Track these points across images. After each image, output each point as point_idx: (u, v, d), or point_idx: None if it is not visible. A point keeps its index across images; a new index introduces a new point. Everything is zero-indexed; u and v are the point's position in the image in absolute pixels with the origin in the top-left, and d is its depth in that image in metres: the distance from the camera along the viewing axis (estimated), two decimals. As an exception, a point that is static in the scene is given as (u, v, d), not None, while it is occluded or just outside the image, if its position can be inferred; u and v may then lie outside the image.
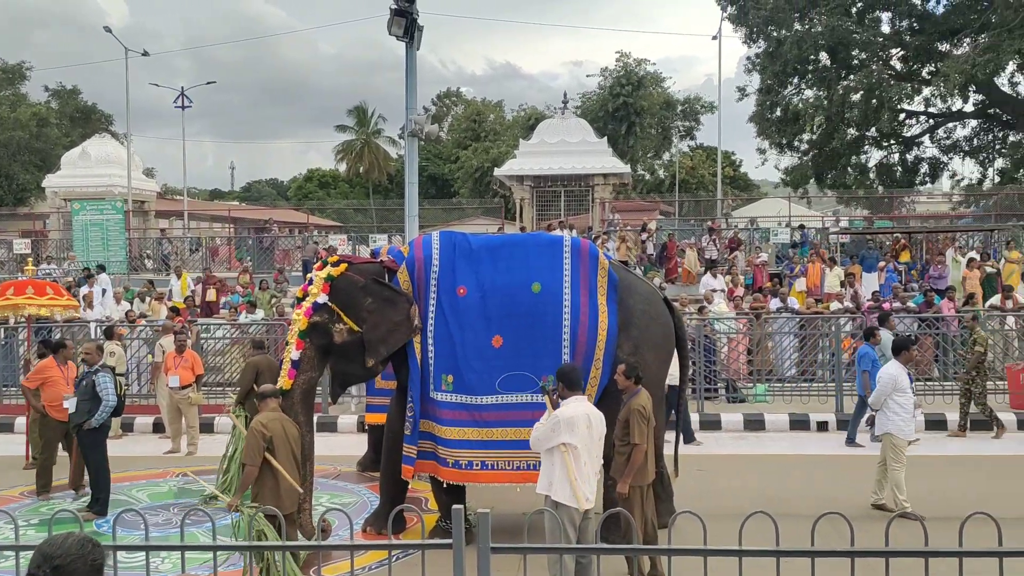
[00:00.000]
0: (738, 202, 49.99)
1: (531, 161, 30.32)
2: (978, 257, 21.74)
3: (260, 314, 17.83)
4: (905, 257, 24.93)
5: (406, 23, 13.94)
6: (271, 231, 30.78)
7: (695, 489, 8.99)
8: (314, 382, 7.98)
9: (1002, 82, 36.44)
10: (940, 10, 36.24)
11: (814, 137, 38.21)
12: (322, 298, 7.80)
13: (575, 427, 6.20)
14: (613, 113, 56.75)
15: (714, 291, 19.33)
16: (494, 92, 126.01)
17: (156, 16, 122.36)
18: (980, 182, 39.67)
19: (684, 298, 17.81)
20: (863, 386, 11.68)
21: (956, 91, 32.57)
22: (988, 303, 16.57)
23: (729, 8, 37.21)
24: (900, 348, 9.19)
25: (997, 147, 38.39)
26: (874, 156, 39.98)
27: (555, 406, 6.38)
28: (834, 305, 17.60)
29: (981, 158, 38.77)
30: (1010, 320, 15.86)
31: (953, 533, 3.78)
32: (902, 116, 38.50)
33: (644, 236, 26.29)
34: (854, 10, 36.15)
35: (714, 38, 36.58)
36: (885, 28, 36.86)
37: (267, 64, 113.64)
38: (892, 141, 39.24)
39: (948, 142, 39.34)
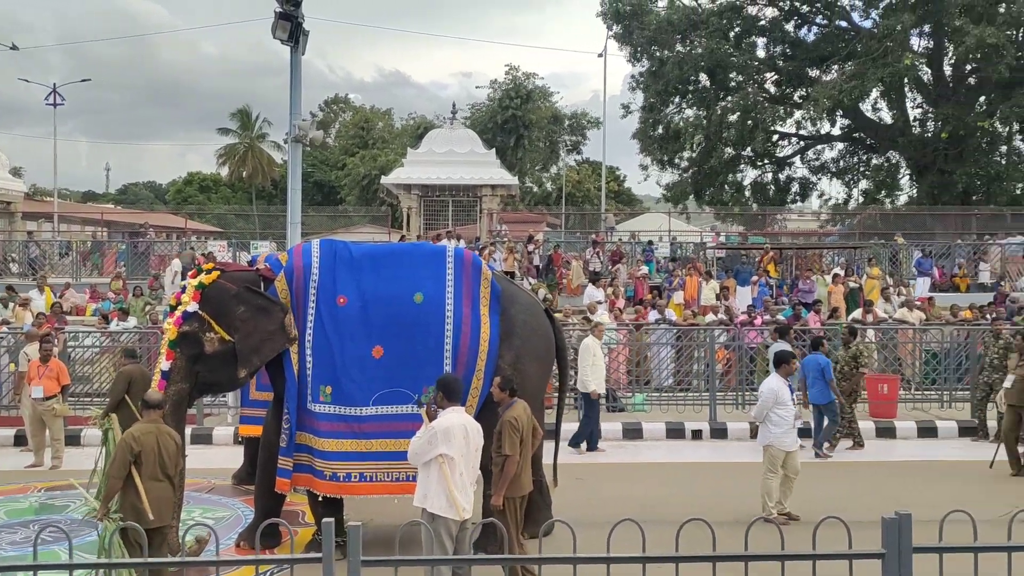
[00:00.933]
0: (622, 216, 51.23)
1: (419, 170, 30.27)
2: (842, 273, 22.89)
3: (133, 321, 17.14)
4: (773, 271, 26.02)
5: (291, 27, 13.73)
6: (147, 235, 29.64)
7: (574, 498, 9.14)
8: (184, 393, 7.72)
9: (867, 108, 38.67)
10: (811, 38, 38.21)
11: (694, 155, 39.58)
12: (192, 307, 7.57)
13: (451, 438, 6.23)
14: (502, 125, 57.25)
15: (598, 302, 19.69)
16: (383, 100, 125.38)
17: (27, 8, 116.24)
18: (846, 202, 41.88)
19: (567, 309, 18.09)
20: (819, 394, 12.20)
21: (824, 115, 34.32)
22: (850, 317, 17.46)
23: (615, 27, 38.16)
24: (780, 361, 9.55)
25: (861, 169, 40.61)
26: (749, 175, 41.70)
27: (432, 419, 6.39)
28: (709, 317, 18.18)
29: (847, 179, 40.95)
30: (870, 333, 16.75)
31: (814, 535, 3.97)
32: (775, 137, 40.32)
33: (531, 248, 26.59)
34: (732, 34, 37.68)
35: (600, 55, 37.45)
36: (761, 53, 38.57)
37: (146, 63, 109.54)
38: (766, 161, 41.02)
39: (817, 163, 41.41)
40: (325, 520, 3.79)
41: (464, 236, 28.56)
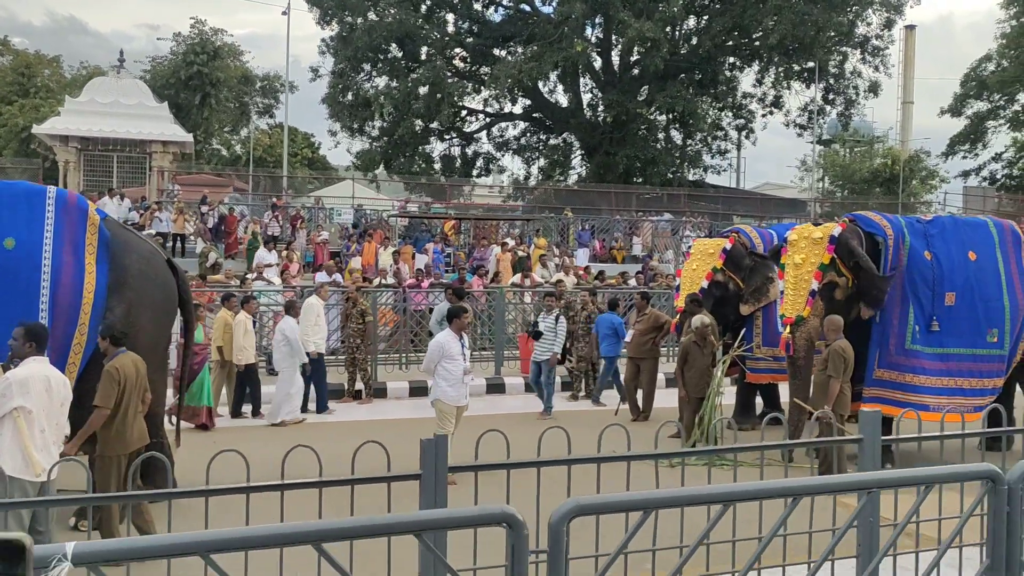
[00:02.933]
0: (314, 183, 50.22)
1: (78, 120, 27.53)
2: (511, 243, 24.16)
3: None
4: (455, 240, 26.90)
5: None
6: None
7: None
8: None
9: (547, 90, 41.01)
10: (497, 18, 39.72)
11: (384, 124, 39.67)
12: None
13: (29, 389, 5.69)
14: (186, 82, 53.71)
15: (268, 265, 19.15)
16: (54, 46, 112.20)
17: None
18: (526, 178, 44.22)
19: (229, 271, 17.40)
20: (609, 348, 12.82)
21: (506, 93, 35.85)
22: (511, 281, 18.47)
23: (305, -13, 37.18)
24: (452, 317, 9.74)
25: (540, 148, 43.02)
26: (438, 147, 42.64)
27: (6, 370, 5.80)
28: (377, 280, 18.35)
29: (526, 156, 43.18)
30: (527, 296, 17.83)
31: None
32: (464, 113, 41.55)
33: (204, 209, 25.26)
34: (423, 7, 38.18)
35: (284, 13, 36.18)
36: (450, 28, 39.44)
37: None
38: (454, 135, 42.17)
39: (501, 140, 43.28)
40: None
41: (131, 196, 26.54)
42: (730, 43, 36.92)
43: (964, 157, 46.17)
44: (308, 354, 12.55)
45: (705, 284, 11.70)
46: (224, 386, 12.66)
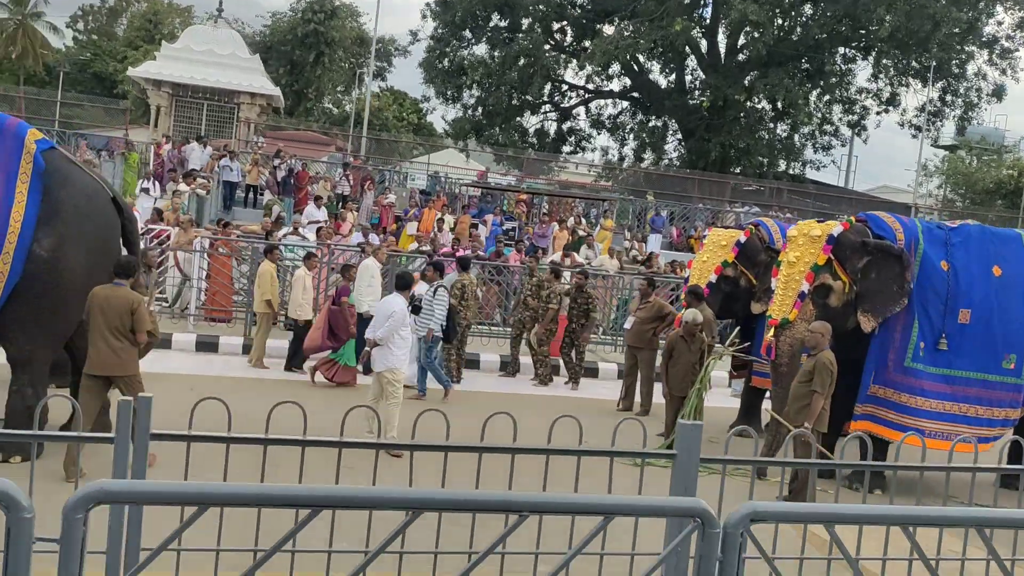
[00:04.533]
0: (419, 148, 50.59)
1: (172, 66, 28.35)
2: (572, 222, 23.59)
3: None
4: (523, 215, 26.49)
5: None
6: None
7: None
8: None
9: (653, 69, 39.93)
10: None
11: (479, 93, 39.47)
12: None
13: None
14: (303, 39, 54.82)
15: (316, 222, 19.23)
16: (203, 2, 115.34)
17: None
18: (621, 159, 43.28)
19: (244, 226, 17.53)
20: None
21: (600, 69, 35.02)
22: (549, 260, 17.96)
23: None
24: (404, 284, 9.51)
25: (635, 128, 41.96)
26: (533, 121, 42.14)
27: None
28: (412, 246, 18.19)
29: (619, 136, 42.20)
30: (566, 275, 17.28)
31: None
32: (564, 88, 40.95)
33: (276, 162, 25.63)
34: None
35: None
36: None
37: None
38: (550, 108, 41.58)
39: (598, 118, 42.40)
40: None
41: (215, 145, 27.19)
42: (841, 33, 34.94)
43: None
44: (360, 314, 12.39)
45: (714, 278, 10.96)
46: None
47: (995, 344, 8.90)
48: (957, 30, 32.22)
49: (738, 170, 36.99)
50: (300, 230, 16.86)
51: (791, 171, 39.09)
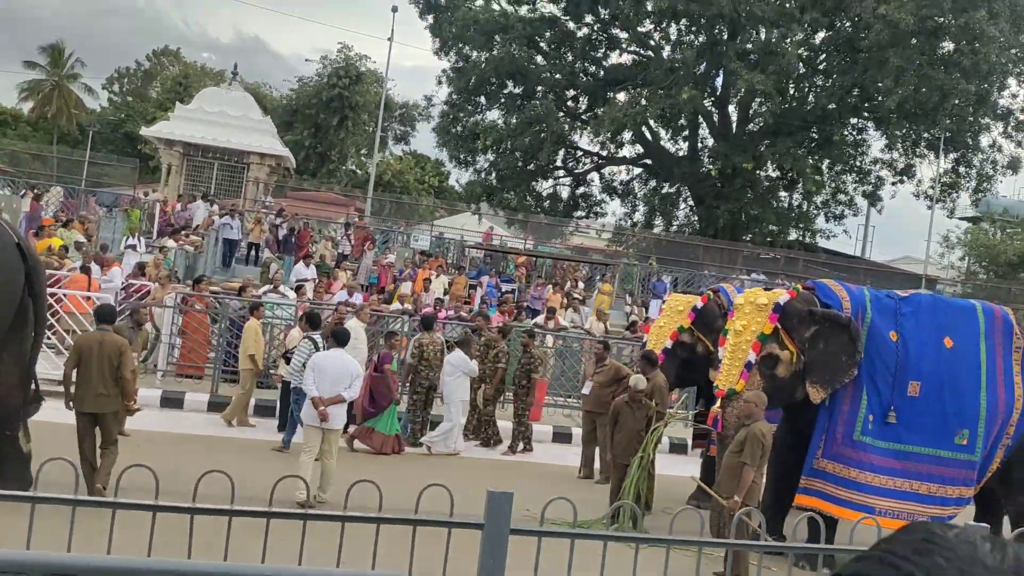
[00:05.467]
0: (440, 212, 51.07)
1: (185, 126, 29.01)
2: (569, 285, 23.50)
3: None
4: (523, 278, 26.47)
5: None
6: None
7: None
8: None
9: (666, 138, 40.14)
10: (617, 60, 39.29)
11: (493, 158, 39.83)
12: None
13: None
14: (328, 103, 56.02)
15: (305, 280, 19.28)
16: (235, 63, 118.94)
17: None
18: (634, 225, 43.25)
19: (226, 284, 17.60)
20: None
21: (609, 136, 35.26)
22: (533, 322, 17.81)
23: (427, 17, 38.02)
24: (343, 340, 9.57)
25: (647, 194, 42.03)
26: (545, 185, 42.39)
27: None
28: (395, 306, 18.14)
29: (629, 201, 42.26)
30: (549, 339, 17.12)
31: None
32: (579, 154, 41.27)
33: (278, 221, 25.91)
34: (542, 44, 38.27)
35: (389, 39, 36.83)
36: (568, 67, 39.29)
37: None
38: (563, 174, 41.84)
39: (611, 184, 42.55)
40: None
41: (222, 204, 27.56)
42: (850, 103, 34.98)
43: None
44: None
45: (669, 343, 10.73)
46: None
47: (946, 418, 8.59)
48: (966, 102, 32.11)
49: (748, 237, 36.80)
50: (281, 287, 16.84)
51: (804, 239, 38.82)
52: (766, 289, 9.36)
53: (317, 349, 10.24)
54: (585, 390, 11.74)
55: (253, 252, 24.85)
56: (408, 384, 12.56)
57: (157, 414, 12.91)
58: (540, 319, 17.88)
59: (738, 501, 7.73)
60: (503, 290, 23.90)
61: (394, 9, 33.48)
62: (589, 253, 36.27)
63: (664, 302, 26.28)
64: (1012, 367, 8.79)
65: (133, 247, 20.20)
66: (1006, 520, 9.29)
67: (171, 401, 13.36)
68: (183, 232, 21.12)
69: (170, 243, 19.35)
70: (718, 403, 8.75)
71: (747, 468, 7.82)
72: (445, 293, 21.72)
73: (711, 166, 36.62)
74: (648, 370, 10.23)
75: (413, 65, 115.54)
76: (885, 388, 8.61)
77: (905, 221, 74.41)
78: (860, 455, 8.58)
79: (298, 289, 18.56)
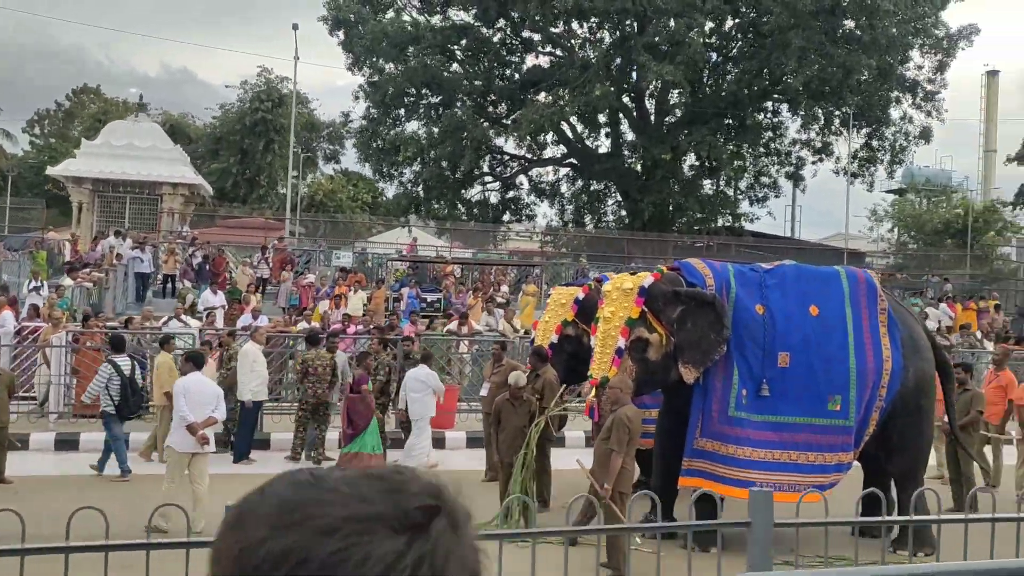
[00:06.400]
0: (378, 228, 50.62)
1: (91, 162, 28.32)
2: (493, 290, 23.41)
3: None
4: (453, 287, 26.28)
5: None
6: None
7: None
8: None
9: (588, 135, 40.27)
10: (531, 63, 39.39)
11: (418, 169, 39.64)
12: None
13: None
14: (252, 128, 55.30)
15: (213, 308, 18.94)
16: (167, 96, 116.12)
17: None
18: (565, 224, 43.35)
19: (147, 311, 17.21)
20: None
21: (528, 138, 35.31)
22: (446, 329, 17.69)
23: (337, 33, 37.73)
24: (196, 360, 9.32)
25: (576, 194, 42.17)
26: (474, 192, 42.31)
27: None
28: (302, 325, 17.88)
29: (558, 202, 42.37)
30: (463, 345, 17.00)
31: None
32: (506, 158, 41.25)
33: (191, 249, 25.42)
34: (457, 51, 38.22)
35: (295, 58, 36.41)
36: (483, 73, 39.27)
37: None
38: (491, 179, 41.79)
39: (538, 185, 42.61)
40: None
41: (135, 238, 26.92)
42: (760, 88, 35.47)
43: (1034, 207, 43.06)
44: (243, 403, 12.28)
45: (555, 338, 10.66)
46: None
47: (818, 386, 8.61)
48: (869, 77, 32.72)
49: (675, 228, 37.08)
50: (182, 316, 16.49)
51: (732, 224, 39.21)
52: (632, 274, 9.32)
53: (119, 373, 10.18)
54: (483, 391, 11.61)
55: (169, 284, 24.37)
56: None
57: (54, 458, 12.56)
58: (453, 325, 17.73)
59: (609, 489, 7.67)
60: (429, 300, 23.74)
61: (295, 27, 33.15)
62: (533, 257, 36.22)
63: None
64: (879, 329, 8.85)
65: (37, 289, 19.65)
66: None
67: (66, 444, 12.96)
68: (85, 269, 20.58)
69: (67, 281, 18.85)
70: (592, 392, 8.68)
71: (615, 455, 7.76)
72: (365, 308, 21.51)
73: (633, 161, 36.84)
74: (539, 366, 10.15)
75: (345, 83, 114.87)
76: (755, 362, 8.61)
77: (835, 199, 75.82)
78: (737, 431, 8.57)
79: (207, 316, 18.27)
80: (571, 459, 9.17)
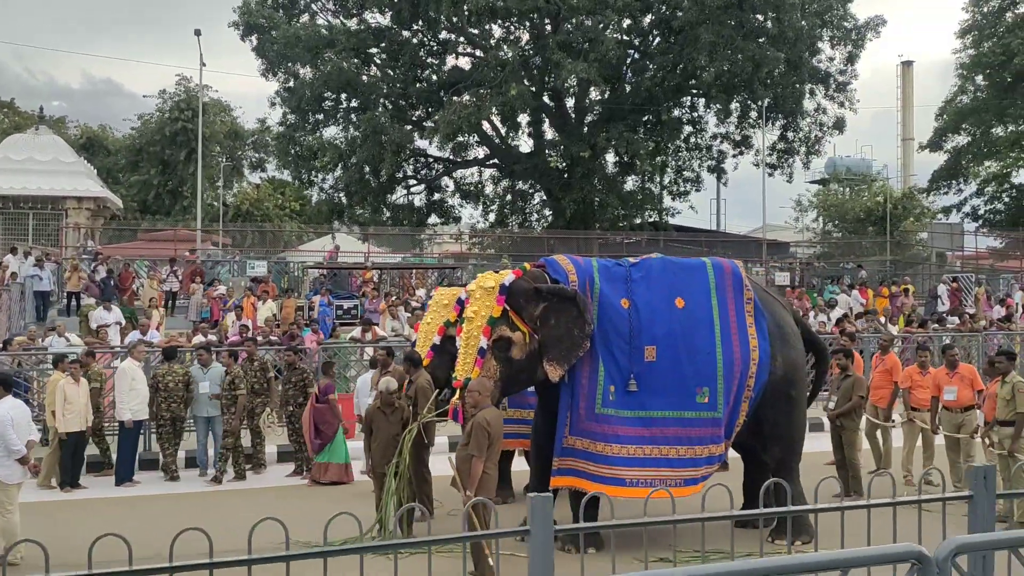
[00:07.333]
0: (308, 236, 49.79)
1: (-9, 179, 27.33)
2: (410, 296, 23.11)
3: None
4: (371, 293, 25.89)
5: None
6: None
7: None
8: None
9: (509, 135, 40.12)
10: (451, 64, 39.10)
11: (338, 174, 39.08)
12: None
13: None
14: (173, 137, 54.11)
15: (106, 325, 18.26)
16: (91, 108, 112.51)
17: None
18: (493, 225, 43.17)
19: (30, 332, 16.54)
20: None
21: (447, 139, 35.02)
22: (350, 336, 17.35)
23: (250, 39, 37.03)
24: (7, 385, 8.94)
25: (501, 194, 42.04)
26: (397, 196, 41.87)
27: None
28: (198, 338, 17.35)
29: (484, 203, 42.19)
30: (368, 351, 16.64)
31: None
32: (429, 160, 40.88)
33: (95, 265, 24.59)
34: (375, 55, 37.76)
35: (204, 64, 35.61)
36: (400, 75, 38.86)
37: None
38: (415, 182, 41.41)
39: (461, 187, 42.34)
40: None
41: (45, 253, 26.01)
42: (674, 83, 35.74)
43: (945, 193, 44.21)
44: (123, 423, 11.85)
45: (437, 339, 10.40)
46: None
47: (685, 379, 8.51)
48: (780, 69, 33.16)
49: (598, 225, 37.15)
50: (67, 334, 15.86)
51: (654, 220, 39.44)
52: (496, 272, 9.12)
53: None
54: (370, 399, 11.31)
55: (74, 302, 23.55)
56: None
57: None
58: (357, 332, 17.38)
59: (470, 495, 7.45)
60: (346, 307, 23.36)
61: (197, 32, 32.35)
62: (468, 260, 35.88)
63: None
64: (745, 320, 8.79)
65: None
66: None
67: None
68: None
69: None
70: (456, 395, 8.46)
71: (476, 459, 7.55)
72: (273, 318, 21.01)
73: (554, 159, 36.81)
74: (412, 371, 9.88)
75: (269, 89, 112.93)
76: (622, 357, 8.47)
77: (759, 191, 76.90)
78: (605, 428, 8.42)
79: (98, 333, 17.62)
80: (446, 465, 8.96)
